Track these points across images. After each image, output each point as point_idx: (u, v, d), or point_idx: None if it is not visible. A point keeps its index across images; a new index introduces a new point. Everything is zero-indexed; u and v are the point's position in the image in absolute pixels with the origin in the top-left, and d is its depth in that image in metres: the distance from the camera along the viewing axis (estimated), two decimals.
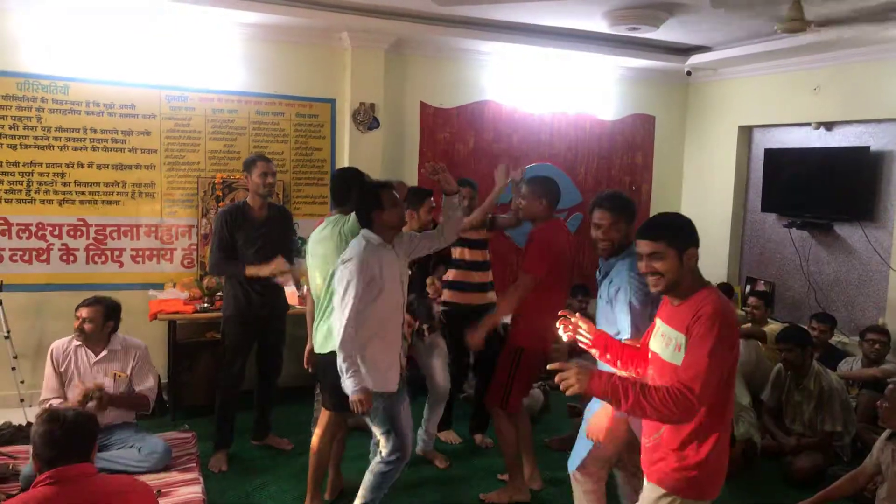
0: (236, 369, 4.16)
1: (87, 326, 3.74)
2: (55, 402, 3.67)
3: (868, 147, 5.22)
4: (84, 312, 3.75)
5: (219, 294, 4.85)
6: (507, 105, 6.05)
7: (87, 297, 3.84)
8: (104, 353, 3.81)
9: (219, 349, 4.37)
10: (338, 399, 3.17)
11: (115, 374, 3.80)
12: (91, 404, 3.53)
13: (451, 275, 4.36)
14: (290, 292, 4.71)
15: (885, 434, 3.44)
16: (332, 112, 5.47)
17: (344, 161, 5.44)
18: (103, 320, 3.78)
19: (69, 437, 2.31)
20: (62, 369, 3.79)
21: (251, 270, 3.99)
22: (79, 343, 3.80)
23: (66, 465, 2.26)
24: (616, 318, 2.80)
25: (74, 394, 3.63)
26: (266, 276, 4.01)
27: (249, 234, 4.04)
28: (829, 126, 5.59)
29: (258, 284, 4.05)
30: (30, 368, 4.67)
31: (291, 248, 4.35)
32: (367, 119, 5.40)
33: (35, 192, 4.77)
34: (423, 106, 5.78)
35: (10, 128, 4.67)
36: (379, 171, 5.24)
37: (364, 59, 5.36)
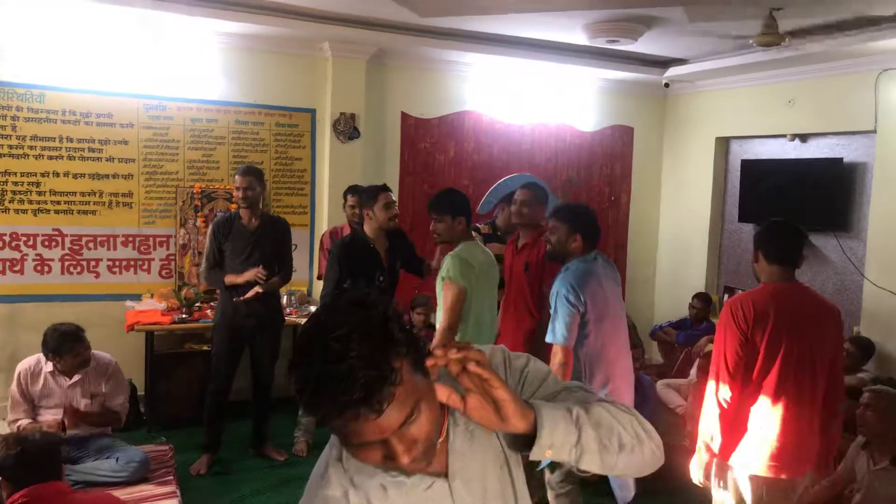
0: (223, 376, 4.15)
1: (85, 358, 3.67)
2: (24, 423, 3.59)
3: (841, 159, 5.31)
4: (71, 356, 3.60)
5: (197, 305, 4.81)
6: (488, 116, 6.07)
7: (54, 342, 3.55)
8: (78, 375, 3.72)
9: (196, 360, 4.32)
10: None
11: (90, 394, 3.74)
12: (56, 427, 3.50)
13: None
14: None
15: (858, 441, 3.47)
16: (312, 122, 5.46)
17: (324, 171, 5.42)
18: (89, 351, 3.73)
19: (36, 458, 2.32)
20: (35, 391, 3.69)
21: (229, 279, 3.99)
22: (50, 370, 3.70)
23: (39, 483, 2.25)
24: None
25: (46, 420, 3.58)
26: (243, 284, 3.98)
27: (237, 245, 4.03)
28: (803, 138, 5.68)
29: (243, 294, 4.02)
30: (3, 381, 4.58)
31: (284, 259, 4.26)
32: (347, 129, 5.39)
33: (9, 202, 4.69)
34: (404, 116, 5.78)
35: None
36: (359, 182, 5.22)
37: (345, 69, 5.35)
